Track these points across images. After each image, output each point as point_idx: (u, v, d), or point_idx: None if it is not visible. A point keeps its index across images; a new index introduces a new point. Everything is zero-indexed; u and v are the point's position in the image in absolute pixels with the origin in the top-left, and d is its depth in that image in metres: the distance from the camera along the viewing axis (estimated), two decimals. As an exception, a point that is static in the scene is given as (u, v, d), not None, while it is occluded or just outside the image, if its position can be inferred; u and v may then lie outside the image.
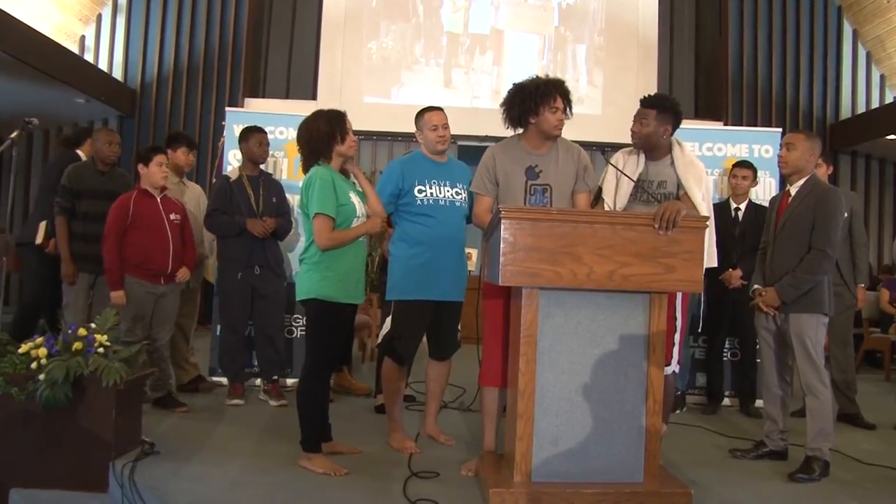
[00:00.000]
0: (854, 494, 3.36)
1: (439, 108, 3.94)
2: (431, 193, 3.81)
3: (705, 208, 3.48)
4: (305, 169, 3.55)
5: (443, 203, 3.82)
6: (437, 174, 3.86)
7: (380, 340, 3.96)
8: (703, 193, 3.52)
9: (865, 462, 3.88)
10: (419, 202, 3.79)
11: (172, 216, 4.48)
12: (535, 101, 3.44)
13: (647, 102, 3.57)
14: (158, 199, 4.45)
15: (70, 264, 4.69)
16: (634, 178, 3.54)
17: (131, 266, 4.32)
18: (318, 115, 3.51)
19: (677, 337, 3.56)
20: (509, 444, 3.14)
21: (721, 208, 5.03)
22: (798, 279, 3.64)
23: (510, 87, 3.58)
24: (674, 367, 3.57)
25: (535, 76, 3.55)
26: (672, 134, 3.58)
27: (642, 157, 3.61)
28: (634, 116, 3.59)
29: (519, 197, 3.49)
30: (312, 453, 3.43)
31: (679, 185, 3.53)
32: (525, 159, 3.52)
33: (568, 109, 3.51)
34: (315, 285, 3.39)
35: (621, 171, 3.57)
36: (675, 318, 3.53)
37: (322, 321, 3.41)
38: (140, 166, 4.43)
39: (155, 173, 4.41)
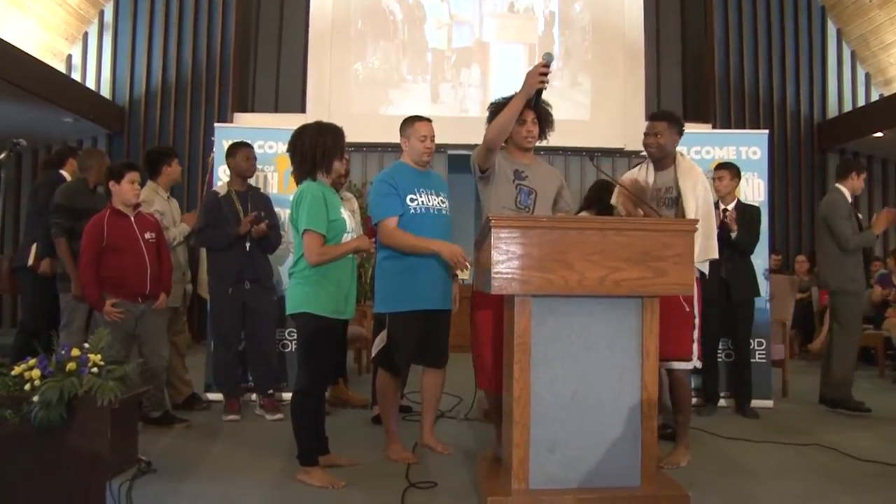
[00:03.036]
0: (852, 491, 3.37)
1: (428, 120, 3.95)
2: (422, 202, 3.82)
3: (694, 211, 3.69)
4: (298, 180, 3.54)
5: (433, 212, 3.83)
6: (424, 183, 3.87)
7: (374, 353, 3.94)
8: (699, 194, 3.75)
9: (863, 459, 3.89)
10: (412, 211, 3.80)
11: (147, 235, 4.37)
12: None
13: (658, 116, 3.92)
14: (132, 218, 4.33)
15: (79, 284, 4.55)
16: (649, 189, 3.86)
17: (108, 286, 4.25)
18: (324, 128, 3.50)
19: (696, 334, 3.71)
20: (506, 451, 3.14)
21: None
22: None
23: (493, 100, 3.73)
24: (695, 362, 3.73)
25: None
26: (677, 144, 3.91)
27: (651, 168, 3.92)
28: (647, 130, 3.91)
29: (508, 190, 3.58)
30: (310, 467, 3.42)
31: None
32: (513, 164, 3.66)
33: (544, 124, 3.67)
34: (305, 299, 3.39)
35: (627, 189, 3.83)
36: (694, 316, 3.72)
37: (313, 335, 3.41)
38: (111, 184, 4.29)
39: (127, 191, 4.28)
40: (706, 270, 3.79)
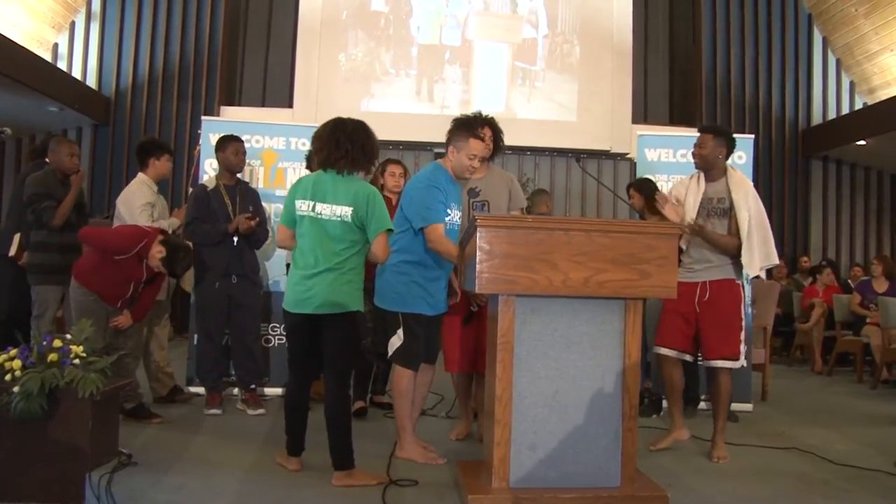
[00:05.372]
0: (828, 494, 3.41)
1: (482, 138, 3.89)
2: (453, 219, 3.81)
3: (746, 221, 3.94)
4: (347, 171, 3.43)
5: (455, 229, 3.83)
6: (456, 198, 3.87)
7: (392, 353, 3.87)
8: (752, 205, 4.00)
9: (839, 463, 3.94)
10: (447, 226, 3.75)
11: (146, 277, 4.33)
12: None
13: (704, 129, 4.15)
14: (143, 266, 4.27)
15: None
16: (699, 198, 4.06)
17: (84, 273, 4.24)
18: (369, 131, 3.47)
19: (742, 335, 4.02)
20: (487, 450, 3.16)
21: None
22: None
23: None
24: (742, 361, 4.02)
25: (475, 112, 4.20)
26: (727, 157, 4.12)
27: (703, 179, 4.11)
28: (695, 142, 4.13)
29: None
30: (353, 468, 3.41)
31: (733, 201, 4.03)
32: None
33: (498, 140, 4.21)
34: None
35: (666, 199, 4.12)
36: (741, 318, 4.02)
37: None
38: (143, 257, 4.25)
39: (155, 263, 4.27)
40: (764, 277, 4.20)
